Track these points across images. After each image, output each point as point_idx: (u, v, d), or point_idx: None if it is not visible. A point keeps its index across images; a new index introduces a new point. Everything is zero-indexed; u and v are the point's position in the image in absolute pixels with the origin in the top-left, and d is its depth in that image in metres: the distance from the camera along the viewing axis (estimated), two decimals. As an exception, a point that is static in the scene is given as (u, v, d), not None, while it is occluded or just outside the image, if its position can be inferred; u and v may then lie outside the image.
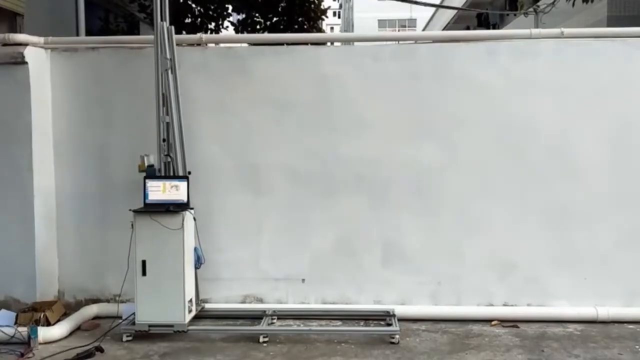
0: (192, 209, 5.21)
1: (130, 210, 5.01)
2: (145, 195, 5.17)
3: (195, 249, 5.27)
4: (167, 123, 5.36)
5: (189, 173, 5.39)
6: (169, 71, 5.35)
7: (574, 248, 5.58)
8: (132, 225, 4.98)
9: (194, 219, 5.25)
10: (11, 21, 8.52)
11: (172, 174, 5.36)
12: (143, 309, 5.00)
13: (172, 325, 5.00)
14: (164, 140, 5.35)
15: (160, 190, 5.17)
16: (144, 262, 4.97)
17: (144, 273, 4.96)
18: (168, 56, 5.35)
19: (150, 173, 5.33)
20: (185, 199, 5.17)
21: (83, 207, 5.82)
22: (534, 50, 5.60)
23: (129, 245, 5.06)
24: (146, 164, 5.38)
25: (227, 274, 5.67)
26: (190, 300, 5.16)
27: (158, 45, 5.34)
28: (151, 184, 5.19)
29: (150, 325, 4.99)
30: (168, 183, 5.21)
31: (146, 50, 5.73)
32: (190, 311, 5.14)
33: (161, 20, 5.38)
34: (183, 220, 5.00)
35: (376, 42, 6.48)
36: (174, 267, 5.00)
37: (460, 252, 5.64)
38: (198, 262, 5.29)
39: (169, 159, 5.37)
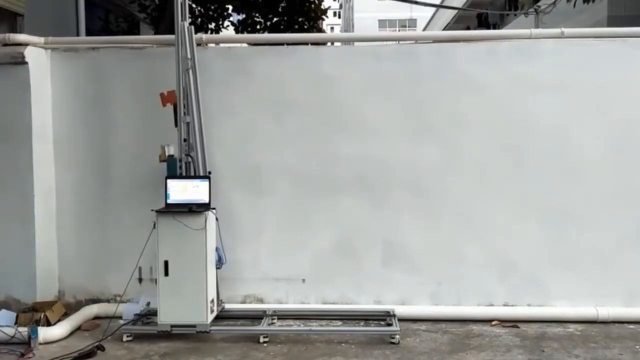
0: (213, 209, 5.19)
1: (152, 210, 4.99)
2: (166, 196, 5.16)
3: (217, 249, 5.27)
4: (188, 123, 5.34)
5: (210, 173, 5.39)
6: (190, 71, 5.35)
7: (574, 248, 5.57)
8: (154, 225, 4.96)
9: (216, 218, 5.25)
10: (11, 21, 8.52)
11: (193, 174, 5.35)
12: (165, 309, 4.97)
13: (194, 326, 4.98)
14: (184, 140, 5.34)
15: (181, 191, 5.17)
16: (166, 263, 4.94)
17: (166, 273, 4.94)
18: (189, 56, 5.34)
19: (171, 163, 5.30)
20: (206, 199, 5.15)
21: (83, 207, 5.82)
22: (534, 50, 5.60)
23: (144, 244, 5.06)
24: (167, 154, 5.35)
25: (228, 274, 5.65)
26: (212, 301, 5.14)
27: (179, 44, 5.33)
28: (172, 184, 5.18)
29: (172, 326, 4.98)
30: (189, 183, 5.20)
31: (147, 51, 5.73)
32: (212, 311, 5.12)
33: (181, 20, 5.37)
34: (206, 220, 4.98)
35: (376, 42, 6.49)
36: (196, 268, 4.97)
37: (460, 252, 5.64)
38: (219, 262, 5.28)
39: (190, 159, 5.36)
